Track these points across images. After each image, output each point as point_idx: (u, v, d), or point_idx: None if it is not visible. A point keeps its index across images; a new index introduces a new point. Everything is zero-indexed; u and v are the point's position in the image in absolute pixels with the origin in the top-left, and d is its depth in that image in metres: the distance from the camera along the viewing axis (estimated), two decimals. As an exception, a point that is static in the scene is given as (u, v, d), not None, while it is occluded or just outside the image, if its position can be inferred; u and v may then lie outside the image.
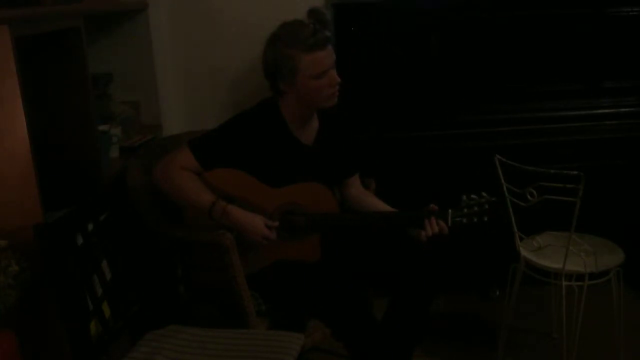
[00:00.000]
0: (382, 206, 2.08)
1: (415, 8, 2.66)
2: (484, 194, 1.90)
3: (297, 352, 1.70)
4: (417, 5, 2.65)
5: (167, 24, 2.85)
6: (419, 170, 2.63)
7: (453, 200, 1.93)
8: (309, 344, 1.96)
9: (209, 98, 2.96)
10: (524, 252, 2.30)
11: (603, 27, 2.69)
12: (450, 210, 1.89)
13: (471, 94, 2.73)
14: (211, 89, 2.96)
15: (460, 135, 2.66)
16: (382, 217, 2.04)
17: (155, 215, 2.04)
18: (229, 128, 1.99)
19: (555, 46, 2.71)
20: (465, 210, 1.89)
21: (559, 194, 2.00)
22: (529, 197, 2.09)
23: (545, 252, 2.27)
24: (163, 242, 2.11)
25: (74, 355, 1.65)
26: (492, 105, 2.72)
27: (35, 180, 1.68)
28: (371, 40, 2.67)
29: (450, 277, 2.78)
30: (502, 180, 2.22)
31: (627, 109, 2.73)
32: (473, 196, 1.90)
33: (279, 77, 1.93)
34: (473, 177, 2.23)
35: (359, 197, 2.14)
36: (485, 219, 1.88)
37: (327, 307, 1.87)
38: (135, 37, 2.68)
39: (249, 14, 2.84)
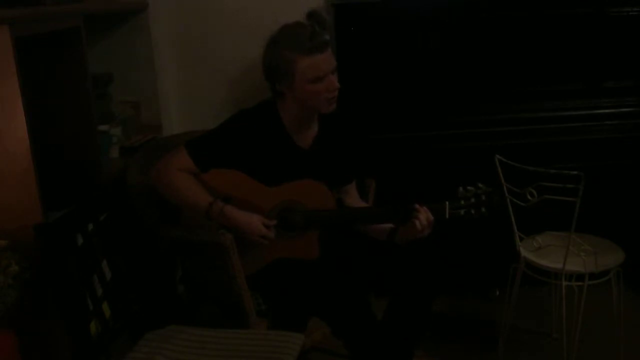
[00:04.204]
0: None
1: (415, 8, 2.65)
2: (480, 184, 1.88)
3: (297, 352, 1.70)
4: (417, 5, 2.65)
5: (167, 23, 2.85)
6: (419, 171, 2.63)
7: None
8: (309, 344, 1.96)
9: (209, 98, 2.96)
10: (524, 252, 2.30)
11: (604, 27, 2.68)
12: (447, 202, 1.88)
13: (471, 94, 2.73)
14: (211, 88, 2.96)
15: (460, 135, 2.66)
16: (376, 211, 2.05)
17: (155, 216, 2.04)
18: (226, 129, 1.99)
19: (555, 46, 2.71)
20: (462, 202, 1.87)
21: (559, 194, 2.00)
22: (529, 197, 2.09)
23: (545, 252, 2.27)
24: (163, 242, 2.11)
25: (74, 355, 1.65)
26: (493, 105, 2.72)
27: (35, 180, 1.68)
28: (371, 40, 2.67)
29: (451, 277, 2.79)
30: (502, 180, 2.22)
31: (627, 109, 2.73)
32: (469, 187, 1.88)
33: (277, 79, 1.93)
34: (473, 177, 2.22)
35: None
36: (483, 210, 1.86)
37: (327, 305, 1.87)
38: (135, 37, 2.68)
39: (249, 13, 2.84)
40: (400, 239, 1.96)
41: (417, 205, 1.87)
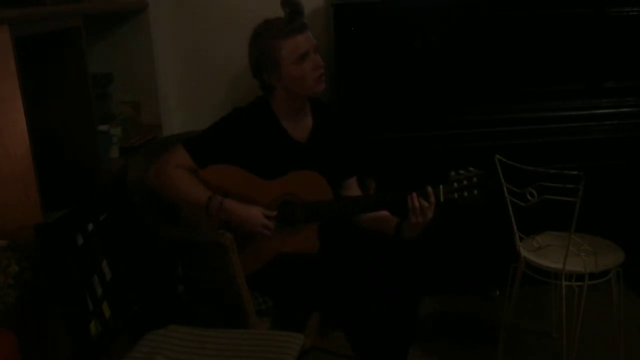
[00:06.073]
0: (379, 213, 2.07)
1: (415, 8, 2.65)
2: (471, 168, 1.89)
3: (297, 352, 1.70)
4: (417, 5, 2.65)
5: (167, 24, 2.86)
6: (419, 171, 2.62)
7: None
8: (309, 344, 1.96)
9: (209, 98, 2.96)
10: (524, 252, 2.30)
11: (604, 27, 2.68)
12: (441, 186, 1.89)
13: (471, 94, 2.73)
14: (211, 89, 2.96)
15: (460, 135, 2.65)
16: (372, 198, 2.06)
17: (155, 216, 2.04)
18: (223, 125, 2.01)
19: (556, 46, 2.71)
20: (455, 184, 1.88)
21: (559, 194, 2.00)
22: (529, 197, 2.09)
23: (545, 252, 2.27)
24: (163, 242, 2.11)
25: (74, 355, 1.65)
26: (493, 105, 2.72)
27: (35, 180, 1.68)
28: (371, 40, 2.67)
29: (450, 278, 2.80)
30: (502, 180, 2.22)
31: (627, 109, 2.73)
32: (461, 171, 1.89)
33: (264, 71, 1.97)
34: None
35: None
36: (476, 192, 1.87)
37: (328, 296, 1.86)
38: (135, 37, 2.69)
39: (249, 14, 2.83)
40: (407, 233, 1.95)
41: (408, 197, 1.87)
